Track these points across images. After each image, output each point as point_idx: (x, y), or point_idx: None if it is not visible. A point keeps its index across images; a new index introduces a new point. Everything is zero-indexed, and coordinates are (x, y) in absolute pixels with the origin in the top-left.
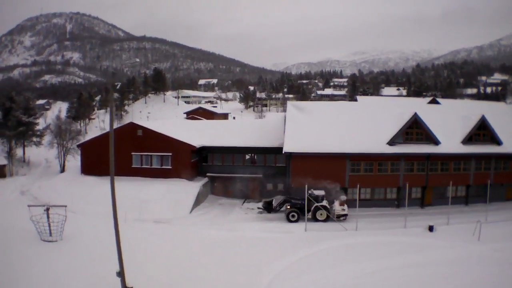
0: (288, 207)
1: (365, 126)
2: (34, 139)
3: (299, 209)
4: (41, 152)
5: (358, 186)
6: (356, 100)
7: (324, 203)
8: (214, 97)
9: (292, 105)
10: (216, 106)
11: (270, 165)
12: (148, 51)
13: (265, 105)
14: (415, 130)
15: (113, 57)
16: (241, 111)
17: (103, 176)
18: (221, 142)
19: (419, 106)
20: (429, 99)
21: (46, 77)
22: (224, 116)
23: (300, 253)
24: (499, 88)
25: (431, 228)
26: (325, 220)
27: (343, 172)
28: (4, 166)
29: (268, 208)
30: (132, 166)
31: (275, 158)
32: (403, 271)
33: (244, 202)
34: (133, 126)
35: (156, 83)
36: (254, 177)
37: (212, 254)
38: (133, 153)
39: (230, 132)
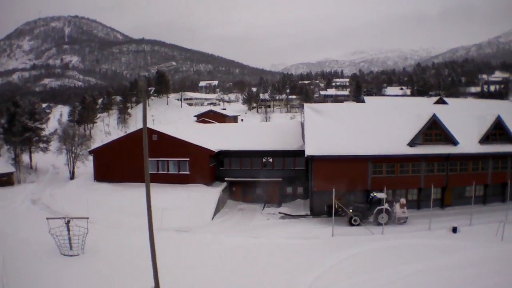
0: (351, 210)
1: (383, 127)
2: (41, 144)
3: (361, 213)
4: (48, 158)
5: (384, 188)
6: (363, 100)
7: (386, 206)
8: (217, 99)
9: (309, 108)
10: (225, 109)
11: (289, 168)
12: (147, 54)
13: (269, 106)
14: (434, 131)
15: (112, 60)
16: (245, 113)
17: (117, 183)
18: (239, 145)
19: (431, 106)
20: (435, 98)
21: (46, 81)
22: (234, 118)
23: (332, 259)
24: (502, 86)
25: (454, 230)
26: (386, 223)
27: (366, 174)
28: (11, 173)
29: (330, 211)
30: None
31: (294, 161)
32: (436, 274)
33: (264, 207)
34: (148, 131)
35: (159, 86)
36: (274, 181)
37: (244, 263)
38: (148, 159)
39: (246, 136)
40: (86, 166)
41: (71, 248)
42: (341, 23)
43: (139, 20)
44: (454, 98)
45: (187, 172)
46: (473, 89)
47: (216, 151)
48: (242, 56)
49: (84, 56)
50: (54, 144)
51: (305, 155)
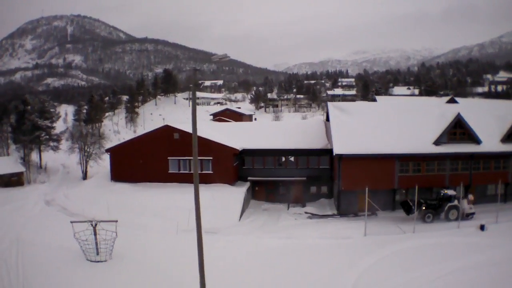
0: (424, 208)
1: (407, 126)
2: (52, 143)
3: (433, 210)
4: (57, 158)
5: (416, 187)
6: (374, 100)
7: (456, 203)
8: (223, 99)
9: (334, 106)
10: (240, 108)
11: (313, 167)
12: (150, 53)
13: (276, 106)
14: (458, 130)
15: (115, 59)
16: (253, 112)
17: (136, 183)
18: (262, 144)
19: (454, 106)
20: (446, 98)
21: (49, 80)
22: (250, 117)
23: (369, 259)
24: (508, 86)
25: (482, 227)
26: (455, 219)
27: (393, 173)
28: (21, 173)
29: (408, 209)
30: (169, 172)
31: (318, 160)
32: (472, 272)
33: (289, 207)
34: (169, 129)
35: (166, 85)
36: (298, 180)
37: (282, 264)
38: (169, 158)
39: (268, 134)
40: (99, 166)
41: (98, 253)
42: (343, 23)
43: (142, 20)
44: (463, 98)
45: (210, 172)
46: (480, 89)
47: (240, 149)
48: (245, 56)
49: (87, 56)
50: (64, 143)
51: (334, 154)
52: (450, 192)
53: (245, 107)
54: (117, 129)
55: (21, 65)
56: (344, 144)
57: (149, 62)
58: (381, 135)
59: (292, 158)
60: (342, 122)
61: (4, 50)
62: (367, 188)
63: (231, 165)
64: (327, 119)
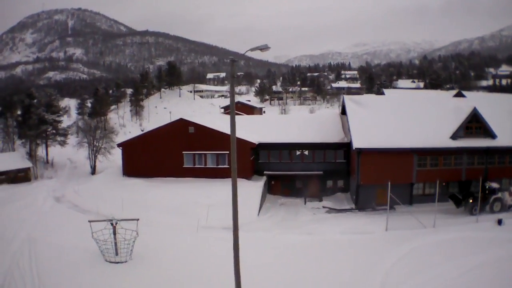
0: (471, 201)
1: (423, 120)
2: (59, 138)
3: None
4: (63, 152)
5: (437, 181)
6: (382, 93)
7: (499, 195)
8: (227, 91)
9: (350, 99)
10: (249, 100)
11: (330, 161)
12: (151, 46)
13: (281, 99)
14: (474, 124)
15: (116, 52)
16: (264, 106)
17: (149, 178)
18: (278, 138)
19: (458, 100)
20: (452, 91)
21: (50, 74)
22: (260, 110)
23: (394, 254)
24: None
25: (499, 222)
26: (499, 211)
27: (411, 167)
28: (28, 169)
29: (457, 202)
30: (184, 166)
31: (335, 154)
32: (494, 267)
33: (306, 201)
34: (183, 123)
35: (171, 77)
36: (314, 175)
37: (310, 261)
38: (184, 152)
39: (284, 128)
40: (108, 161)
41: (117, 254)
42: (344, 16)
43: (142, 13)
44: (468, 91)
45: (226, 166)
46: (484, 83)
47: (256, 143)
48: (245, 48)
49: (87, 49)
50: (71, 137)
51: (353, 148)
52: (494, 185)
53: (251, 100)
54: (123, 123)
55: (21, 59)
56: (363, 138)
57: (150, 55)
58: (398, 129)
59: (306, 152)
60: (359, 115)
61: (4, 44)
62: (389, 183)
63: (248, 160)
64: (342, 112)
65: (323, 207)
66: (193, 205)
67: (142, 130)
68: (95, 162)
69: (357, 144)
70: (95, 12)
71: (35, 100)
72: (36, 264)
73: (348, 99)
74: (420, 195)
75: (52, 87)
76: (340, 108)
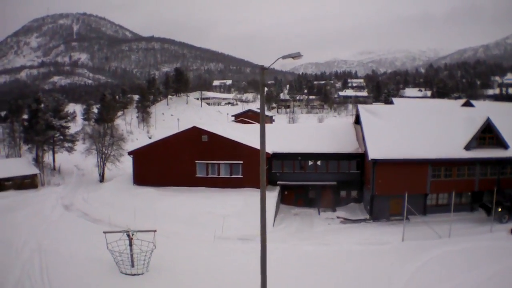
0: (500, 209)
1: (436, 130)
2: (66, 144)
3: (508, 211)
4: (69, 159)
5: (453, 192)
6: (391, 102)
7: None
8: (233, 99)
9: (364, 109)
10: (259, 109)
11: (344, 171)
12: (157, 52)
13: (288, 107)
14: (487, 134)
15: (121, 58)
16: (274, 114)
17: (161, 187)
18: (292, 148)
19: (470, 110)
20: (461, 101)
21: (55, 79)
22: (270, 119)
23: (411, 266)
24: None
25: None
26: None
27: (425, 178)
28: (35, 175)
29: (487, 210)
30: (196, 176)
31: (349, 164)
32: (510, 277)
33: (319, 212)
34: (197, 131)
35: (178, 84)
36: (328, 185)
37: (326, 272)
38: (197, 161)
39: (297, 137)
40: (117, 168)
41: (133, 265)
42: (349, 24)
43: (148, 19)
44: (475, 100)
45: (240, 176)
46: (490, 91)
47: (271, 153)
48: (251, 55)
49: (93, 54)
50: (80, 144)
51: (369, 159)
52: None
53: (257, 108)
54: (130, 129)
55: (26, 63)
56: (379, 148)
57: (155, 61)
58: (412, 139)
59: (318, 162)
60: (374, 125)
61: (9, 47)
62: (406, 194)
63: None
64: (356, 121)
65: (337, 217)
66: (207, 216)
67: (150, 138)
68: (103, 169)
69: (372, 155)
70: (100, 17)
71: (43, 105)
72: (48, 275)
73: (362, 108)
74: (433, 205)
75: (57, 92)
76: (354, 117)
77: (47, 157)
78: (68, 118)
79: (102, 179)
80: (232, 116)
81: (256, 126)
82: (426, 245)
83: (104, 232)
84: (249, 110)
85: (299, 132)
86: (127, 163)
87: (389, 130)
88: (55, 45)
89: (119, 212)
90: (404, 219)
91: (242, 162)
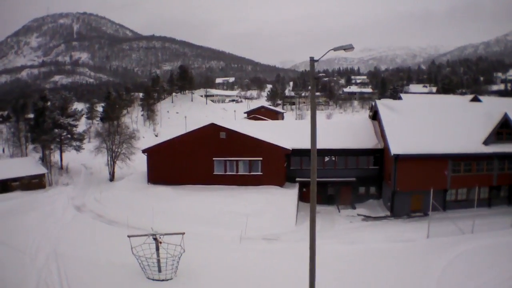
0: None
1: (454, 125)
2: (74, 143)
3: None
4: (76, 158)
5: (476, 187)
6: (400, 98)
7: None
8: (237, 96)
9: (383, 105)
10: (271, 105)
11: (363, 167)
12: (157, 50)
13: (293, 103)
14: (505, 129)
15: (122, 57)
16: (285, 111)
17: (177, 185)
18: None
19: (485, 105)
20: (468, 96)
21: (56, 78)
22: (282, 115)
23: (439, 263)
24: None
25: None
26: None
27: (445, 173)
28: (43, 175)
29: None
30: (214, 173)
31: (368, 160)
32: None
33: (339, 209)
34: (214, 128)
35: (182, 82)
36: (347, 181)
37: (359, 271)
38: (214, 159)
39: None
40: (128, 167)
41: (160, 270)
42: (349, 21)
43: (148, 18)
44: (481, 96)
45: (260, 173)
46: (494, 87)
47: (291, 149)
48: (252, 53)
49: (93, 53)
50: (87, 142)
51: (391, 154)
52: None
53: (262, 104)
54: (136, 128)
55: (26, 62)
56: (400, 144)
57: (156, 60)
58: (432, 134)
59: (334, 158)
60: (393, 121)
61: (9, 47)
62: (431, 190)
63: (282, 166)
64: (373, 117)
65: (358, 214)
66: (229, 215)
67: (156, 135)
68: (113, 168)
69: (394, 150)
70: (100, 16)
71: (49, 103)
72: (68, 283)
73: (381, 104)
74: (452, 201)
75: (58, 91)
76: (371, 112)
77: (54, 156)
78: (76, 116)
79: (112, 178)
80: (244, 113)
81: (272, 123)
82: (451, 241)
83: (129, 236)
84: (262, 107)
85: (317, 129)
86: (138, 161)
87: (408, 125)
88: (56, 44)
89: (135, 213)
90: (430, 216)
91: (261, 159)
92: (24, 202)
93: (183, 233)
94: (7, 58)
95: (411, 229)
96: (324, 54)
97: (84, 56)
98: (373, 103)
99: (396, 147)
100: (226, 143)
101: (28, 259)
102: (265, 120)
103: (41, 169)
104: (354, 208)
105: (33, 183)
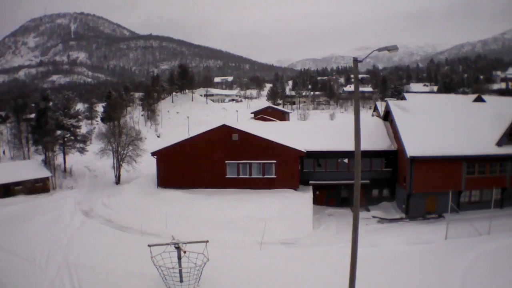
0: None
1: (466, 126)
2: (78, 145)
3: None
4: (79, 160)
5: (493, 189)
6: (404, 98)
7: None
8: (237, 95)
9: (395, 105)
10: (274, 104)
11: (376, 169)
12: (155, 50)
13: (293, 103)
14: None
15: (120, 56)
16: (292, 111)
17: (188, 189)
18: (323, 146)
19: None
20: (471, 96)
21: (54, 78)
22: (288, 115)
23: (461, 265)
24: None
25: None
26: None
27: (460, 174)
28: (47, 178)
29: None
30: (226, 177)
31: (381, 162)
32: None
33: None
34: (226, 130)
35: (182, 81)
36: (361, 183)
37: (386, 276)
38: (227, 162)
39: (325, 135)
40: (134, 170)
41: (181, 280)
42: (346, 20)
43: (145, 18)
44: (486, 96)
45: (273, 176)
46: (495, 86)
47: (305, 152)
48: (249, 52)
49: (91, 53)
50: (97, 144)
51: (407, 156)
52: None
53: (262, 104)
54: (138, 128)
55: (24, 62)
56: (417, 145)
57: (154, 59)
58: (446, 136)
59: (346, 160)
60: (407, 122)
61: (6, 47)
62: (450, 191)
63: (297, 169)
64: (385, 118)
65: (373, 217)
66: (245, 220)
67: (158, 136)
68: (119, 171)
69: (411, 152)
70: (98, 16)
71: (51, 103)
72: None
73: (393, 105)
74: (466, 202)
75: (56, 91)
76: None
77: (56, 159)
78: (79, 117)
79: (118, 181)
80: (251, 113)
81: (283, 124)
82: (469, 242)
83: (150, 246)
84: (269, 107)
85: (329, 129)
86: (143, 163)
87: (422, 127)
88: (53, 44)
89: (147, 218)
90: (448, 217)
91: (275, 161)
92: (29, 207)
93: (207, 241)
94: (5, 58)
95: (428, 231)
96: (368, 55)
97: (81, 56)
98: (376, 103)
99: (412, 149)
100: (239, 145)
101: (38, 269)
102: (273, 120)
103: (44, 172)
104: (368, 210)
105: (37, 187)
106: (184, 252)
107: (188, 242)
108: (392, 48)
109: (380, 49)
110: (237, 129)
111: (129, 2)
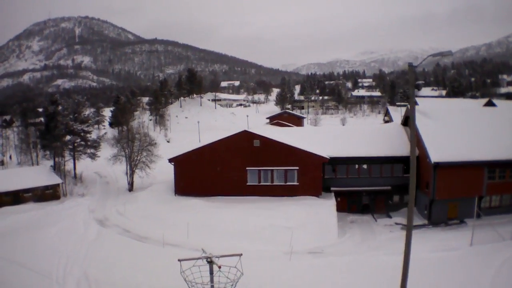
0: None
1: (484, 131)
2: (89, 150)
3: None
4: (89, 166)
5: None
6: (415, 102)
7: None
8: (245, 100)
9: (417, 111)
10: (289, 109)
11: (397, 175)
12: (160, 54)
13: (302, 108)
14: None
15: (125, 60)
16: (305, 116)
17: (207, 197)
18: (345, 152)
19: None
20: (482, 100)
21: (59, 82)
22: (302, 121)
23: (489, 272)
24: None
25: None
26: None
27: (481, 180)
28: (57, 185)
29: None
30: (247, 184)
31: (402, 168)
32: None
33: (375, 218)
34: (247, 136)
35: (191, 85)
36: (382, 190)
37: (426, 282)
38: (248, 168)
39: (347, 141)
40: (148, 176)
41: None
42: (351, 24)
43: (150, 22)
44: (497, 100)
45: (296, 183)
46: (503, 90)
47: (329, 158)
48: (254, 57)
49: (96, 57)
50: (104, 150)
51: (431, 162)
52: None
53: (271, 109)
54: (147, 133)
55: (28, 66)
56: (439, 151)
57: (159, 63)
58: (468, 141)
59: (365, 166)
60: (429, 127)
61: (10, 51)
62: (476, 197)
63: (319, 176)
64: (404, 123)
65: (396, 223)
66: (270, 229)
67: (168, 141)
68: (133, 177)
69: (434, 158)
70: (102, 20)
71: (60, 107)
72: None
73: (416, 110)
74: (487, 207)
75: (61, 95)
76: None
77: (67, 165)
78: (90, 122)
79: (131, 187)
80: (266, 118)
81: (301, 129)
82: (494, 248)
83: (179, 260)
84: (285, 112)
85: (349, 136)
86: (157, 170)
87: (443, 132)
88: (57, 48)
89: (167, 228)
90: (473, 224)
91: (297, 168)
92: (40, 215)
93: (241, 254)
94: (9, 62)
95: (452, 237)
96: (424, 60)
97: (86, 60)
98: (388, 108)
99: (436, 155)
100: (260, 152)
101: (56, 285)
102: (289, 125)
103: (55, 179)
104: (389, 217)
105: (47, 194)
106: (219, 267)
107: (221, 256)
108: (447, 54)
109: (434, 55)
110: (258, 135)
111: (133, 7)
